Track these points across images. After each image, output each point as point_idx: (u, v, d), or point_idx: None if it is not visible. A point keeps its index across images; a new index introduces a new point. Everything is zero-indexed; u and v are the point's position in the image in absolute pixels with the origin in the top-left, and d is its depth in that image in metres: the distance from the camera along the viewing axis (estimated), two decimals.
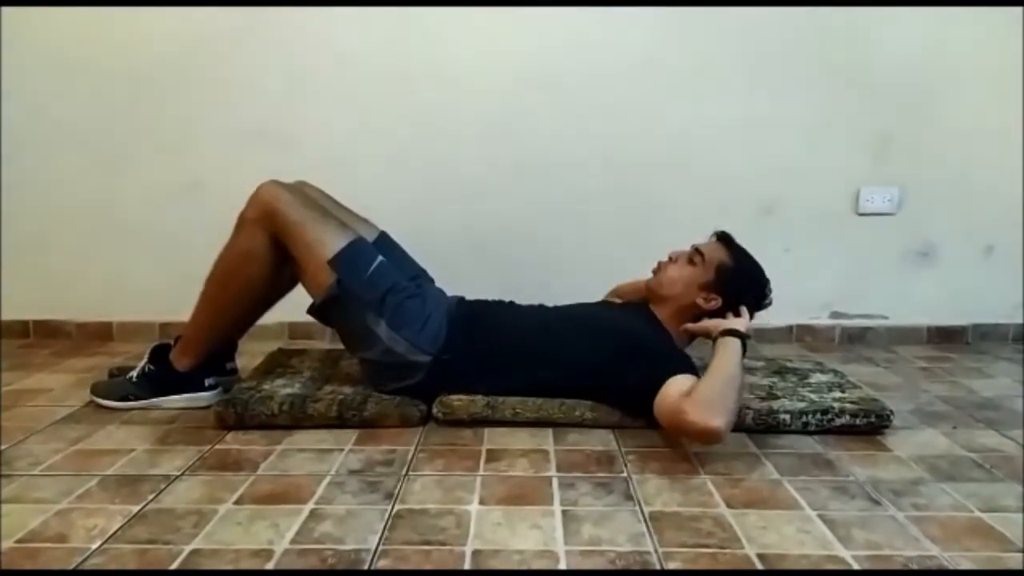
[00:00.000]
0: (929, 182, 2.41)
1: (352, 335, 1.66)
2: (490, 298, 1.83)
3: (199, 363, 1.71)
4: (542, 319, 1.75)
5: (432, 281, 1.85)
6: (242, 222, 1.63)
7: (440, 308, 1.69)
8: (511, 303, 1.82)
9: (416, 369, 1.61)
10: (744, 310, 1.64)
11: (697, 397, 1.36)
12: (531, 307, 1.81)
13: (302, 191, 1.69)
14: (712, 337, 1.57)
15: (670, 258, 1.74)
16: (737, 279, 1.67)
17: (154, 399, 1.71)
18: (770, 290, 1.71)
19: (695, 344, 1.73)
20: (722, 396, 1.37)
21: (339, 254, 1.59)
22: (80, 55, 2.36)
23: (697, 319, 1.67)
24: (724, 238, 1.74)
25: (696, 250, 1.71)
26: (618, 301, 1.91)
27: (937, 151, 2.40)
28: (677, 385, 1.42)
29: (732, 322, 1.59)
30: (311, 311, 1.64)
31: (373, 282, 1.61)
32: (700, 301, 1.66)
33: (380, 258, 1.65)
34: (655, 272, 1.75)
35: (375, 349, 1.61)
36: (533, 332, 1.69)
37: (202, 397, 1.71)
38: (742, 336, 1.53)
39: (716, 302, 1.66)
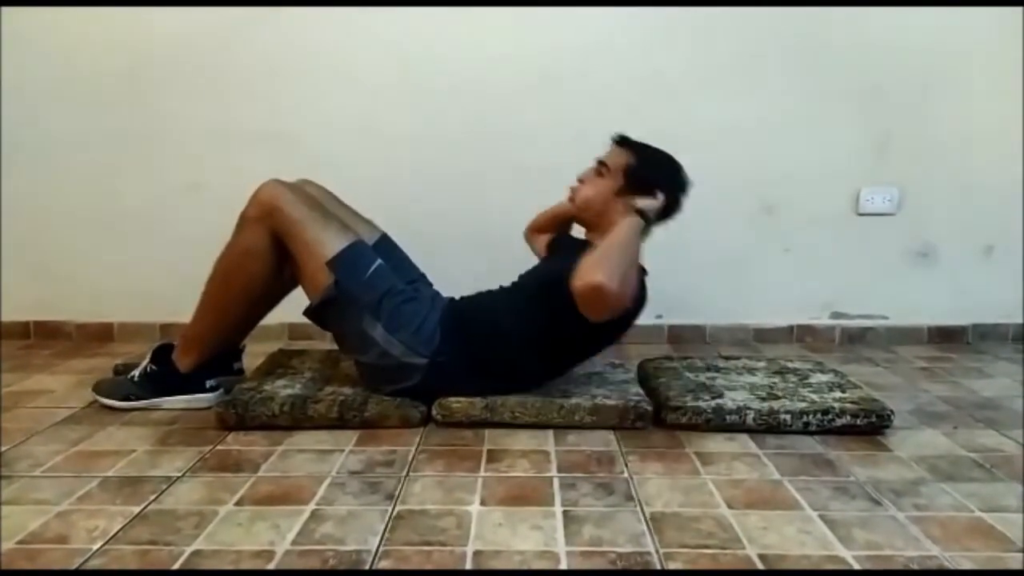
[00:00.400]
0: (929, 182, 2.41)
1: (348, 337, 1.66)
2: (479, 291, 1.81)
3: (201, 363, 1.71)
4: (509, 305, 1.71)
5: (430, 285, 1.85)
6: (243, 221, 1.63)
7: (435, 311, 1.68)
8: (492, 292, 1.78)
9: (412, 371, 1.61)
10: (660, 193, 1.65)
11: (581, 265, 1.44)
12: (505, 289, 1.78)
13: (304, 190, 1.68)
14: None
15: (579, 180, 1.75)
16: (645, 173, 1.67)
17: (155, 399, 1.71)
18: (683, 169, 1.71)
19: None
20: (604, 258, 1.44)
21: (338, 255, 1.59)
22: (81, 55, 2.37)
23: None
24: (622, 141, 1.74)
25: (600, 162, 1.72)
26: (543, 241, 1.95)
27: (937, 151, 2.40)
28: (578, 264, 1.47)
29: (635, 203, 1.61)
30: (308, 312, 1.64)
31: (371, 284, 1.61)
32: (621, 207, 1.65)
33: (379, 261, 1.65)
34: (570, 199, 1.76)
35: (371, 352, 1.61)
36: (507, 322, 1.66)
37: (203, 398, 1.71)
38: (640, 212, 1.57)
39: (635, 199, 1.65)
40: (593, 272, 1.43)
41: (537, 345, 1.63)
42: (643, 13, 2.31)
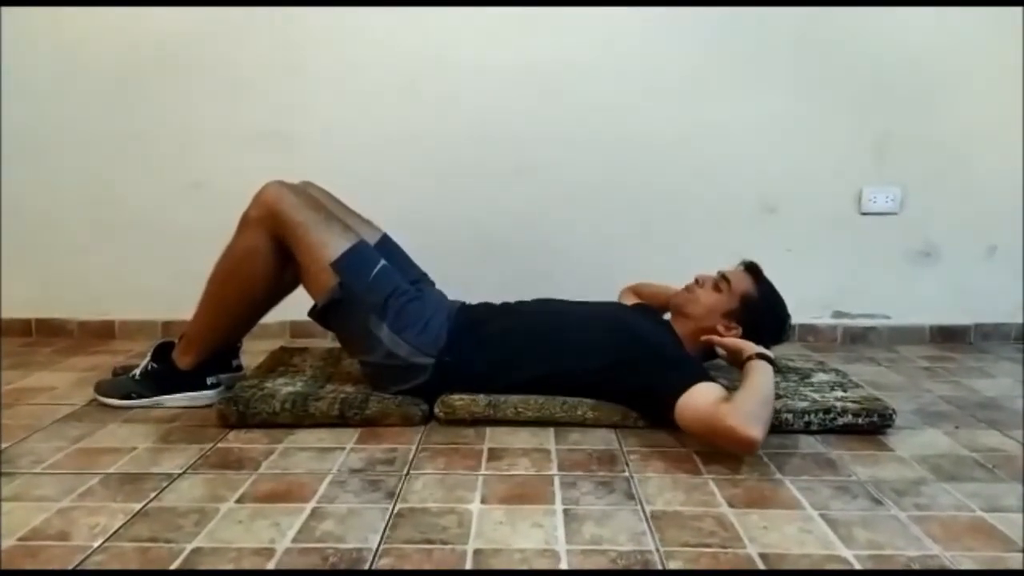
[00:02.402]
0: (932, 182, 2.41)
1: (354, 338, 1.66)
2: (493, 300, 1.83)
3: (202, 361, 1.71)
4: (552, 311, 1.75)
5: (433, 284, 1.86)
6: (245, 222, 1.63)
7: (441, 311, 1.69)
8: (515, 304, 1.81)
9: (419, 371, 1.61)
10: (763, 340, 1.62)
11: (739, 406, 1.36)
12: (536, 302, 1.81)
13: (306, 192, 1.68)
14: (742, 358, 1.54)
15: (696, 281, 1.75)
16: (760, 312, 1.68)
17: (156, 397, 1.71)
18: (790, 326, 1.72)
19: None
20: (761, 409, 1.38)
21: (342, 257, 1.59)
22: (83, 55, 2.37)
23: (709, 350, 1.68)
24: (752, 268, 1.75)
25: (723, 277, 1.72)
26: (630, 302, 1.92)
27: (940, 151, 2.40)
28: (706, 392, 1.42)
29: (761, 348, 1.56)
30: (312, 314, 1.64)
31: (376, 285, 1.61)
32: (721, 328, 1.67)
33: (383, 262, 1.65)
34: (687, 289, 1.75)
35: (377, 352, 1.61)
36: (543, 323, 1.69)
37: (204, 396, 1.71)
38: (773, 362, 1.52)
39: (736, 331, 1.67)
40: (754, 425, 1.33)
41: (574, 378, 1.61)
42: (645, 13, 2.31)
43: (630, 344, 1.59)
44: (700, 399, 1.41)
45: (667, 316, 1.81)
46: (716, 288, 1.72)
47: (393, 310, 1.60)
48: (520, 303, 1.82)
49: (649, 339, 1.62)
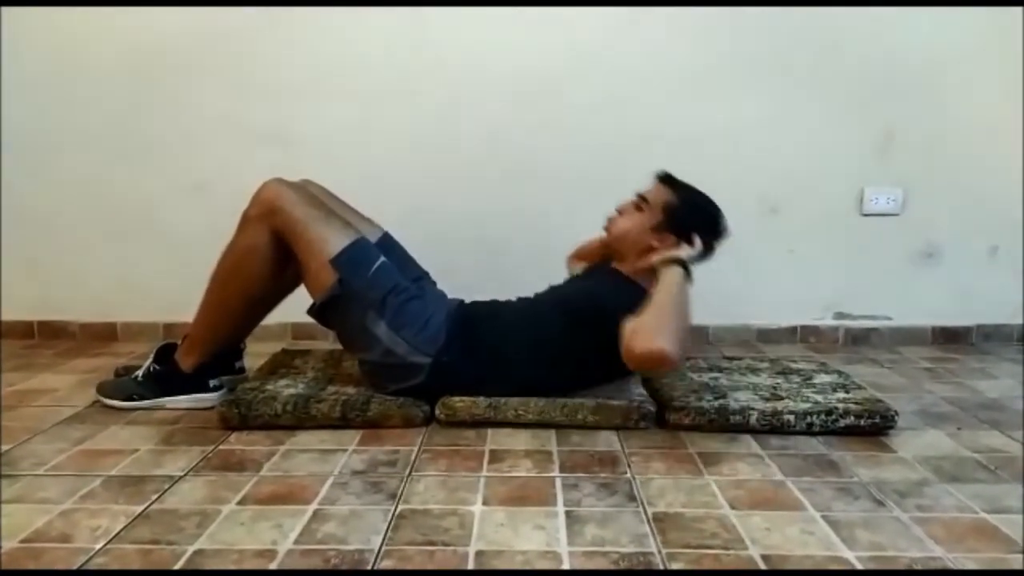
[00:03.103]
0: (933, 183, 2.41)
1: (352, 336, 1.66)
2: (493, 298, 1.83)
3: (204, 363, 1.71)
4: (527, 313, 1.73)
5: (434, 283, 1.85)
6: (245, 220, 1.63)
7: (440, 310, 1.68)
8: (509, 301, 1.80)
9: (416, 370, 1.61)
10: (696, 238, 1.62)
11: (638, 326, 1.39)
12: (524, 300, 1.80)
13: (306, 189, 1.68)
14: (655, 269, 1.56)
15: (618, 211, 1.73)
16: (684, 214, 1.66)
17: (159, 399, 1.71)
18: (724, 219, 1.69)
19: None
20: (661, 320, 1.40)
21: (341, 253, 1.59)
22: (86, 55, 2.37)
23: None
24: (665, 178, 1.73)
25: (640, 196, 1.71)
26: (580, 268, 1.92)
27: (941, 152, 2.39)
28: (627, 323, 1.44)
29: (671, 252, 1.58)
30: (311, 311, 1.64)
31: (375, 282, 1.61)
32: (654, 244, 1.64)
33: (382, 259, 1.65)
34: (606, 228, 1.75)
35: (375, 350, 1.61)
36: (522, 329, 1.68)
37: (207, 398, 1.71)
38: (681, 262, 1.54)
39: (671, 240, 1.64)
40: (656, 338, 1.37)
41: (555, 364, 1.62)
42: (645, 14, 2.31)
43: (584, 328, 1.56)
44: (624, 331, 1.43)
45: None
46: (637, 209, 1.69)
47: (392, 308, 1.60)
48: (512, 303, 1.80)
49: (591, 310, 1.58)
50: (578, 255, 1.99)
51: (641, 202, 1.69)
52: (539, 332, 1.64)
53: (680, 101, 2.37)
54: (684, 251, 1.59)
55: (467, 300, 1.81)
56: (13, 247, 2.46)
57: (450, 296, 1.83)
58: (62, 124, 2.41)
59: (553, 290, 1.78)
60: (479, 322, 1.69)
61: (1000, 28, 2.32)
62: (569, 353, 1.61)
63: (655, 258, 1.60)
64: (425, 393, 1.63)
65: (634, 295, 1.53)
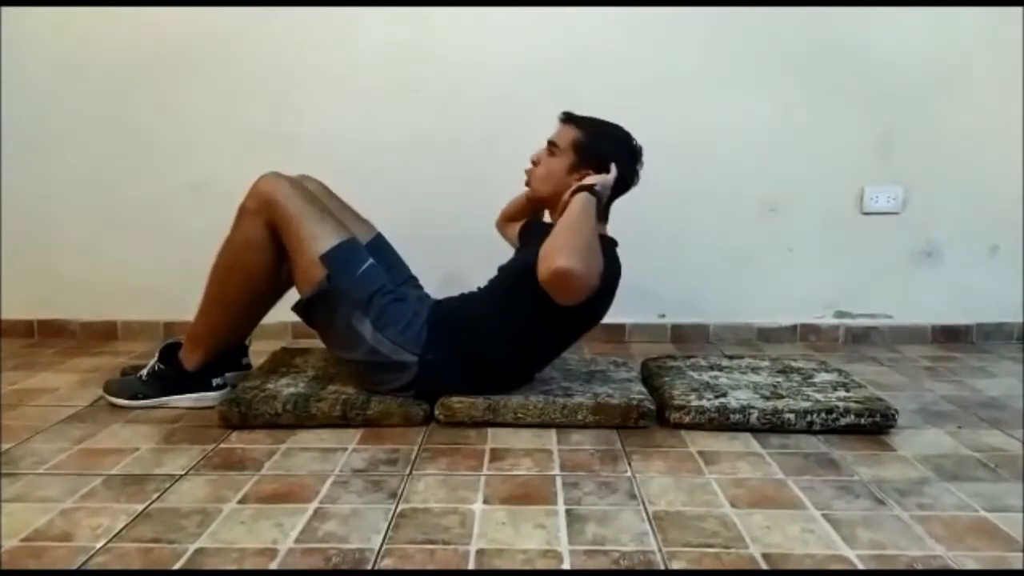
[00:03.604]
0: (934, 181, 2.41)
1: (336, 334, 1.65)
2: (461, 292, 1.81)
3: (208, 360, 1.71)
4: (488, 299, 1.71)
5: (419, 287, 1.86)
6: (242, 213, 1.63)
7: (422, 312, 1.67)
8: (473, 292, 1.77)
9: (402, 369, 1.61)
10: (613, 166, 1.64)
11: (542, 252, 1.42)
12: (485, 287, 1.77)
13: (302, 185, 1.68)
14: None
15: (532, 162, 1.74)
16: (595, 146, 1.66)
17: (163, 398, 1.71)
18: (632, 137, 1.70)
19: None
20: (562, 240, 1.43)
21: (331, 251, 1.59)
22: (86, 54, 2.37)
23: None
24: (568, 118, 1.73)
25: (550, 142, 1.71)
26: (514, 230, 1.95)
27: (942, 150, 2.40)
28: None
29: (583, 181, 1.60)
30: (297, 307, 1.63)
31: (362, 282, 1.61)
32: (575, 184, 1.63)
33: (371, 260, 1.65)
34: (527, 183, 1.76)
35: (359, 350, 1.61)
36: (487, 316, 1.66)
37: (209, 397, 1.71)
38: (585, 188, 1.55)
39: (589, 176, 1.64)
40: (553, 258, 1.41)
41: (519, 337, 1.62)
42: (647, 14, 2.31)
43: (528, 281, 1.54)
44: (538, 264, 1.44)
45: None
46: (550, 155, 1.70)
47: (377, 308, 1.60)
48: (477, 292, 1.77)
49: (529, 261, 1.56)
50: (506, 217, 2.02)
51: (552, 147, 1.70)
52: (499, 312, 1.64)
53: (681, 101, 2.37)
54: (592, 178, 1.60)
55: (440, 299, 1.80)
56: (13, 246, 2.46)
57: (449, 295, 1.83)
58: (62, 123, 2.41)
59: (503, 268, 1.79)
60: (451, 319, 1.68)
61: (1000, 27, 2.32)
62: (531, 322, 1.60)
63: (566, 195, 1.60)
64: (415, 391, 1.62)
65: None
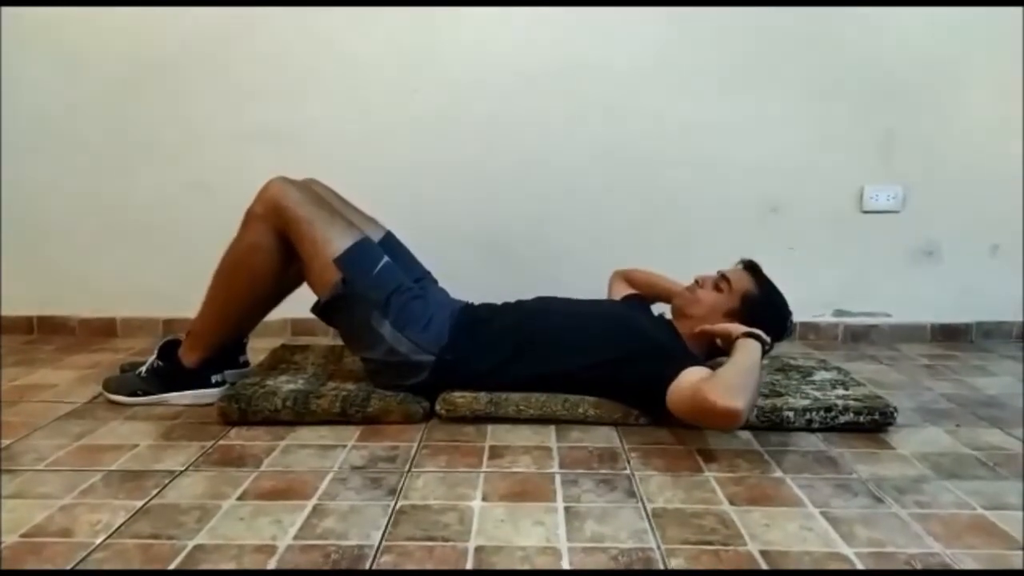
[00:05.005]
0: (934, 180, 2.41)
1: (356, 335, 1.66)
2: (495, 299, 1.83)
3: (207, 359, 1.71)
4: (552, 310, 1.75)
5: (436, 282, 1.86)
6: (249, 217, 1.63)
7: (443, 310, 1.69)
8: (516, 303, 1.81)
9: (419, 369, 1.62)
10: (762, 334, 1.58)
11: (717, 380, 1.38)
12: (537, 300, 1.82)
13: (310, 188, 1.69)
14: (731, 339, 1.54)
15: (697, 282, 1.76)
16: (761, 310, 1.68)
17: (162, 395, 1.71)
18: (792, 323, 1.73)
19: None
20: (741, 381, 1.38)
21: (345, 253, 1.59)
22: (85, 53, 2.37)
23: (714, 346, 1.65)
24: (751, 267, 1.75)
25: (723, 276, 1.73)
26: (620, 293, 1.95)
27: (942, 149, 2.39)
28: (693, 375, 1.44)
29: (755, 331, 1.54)
30: (315, 309, 1.64)
31: (379, 282, 1.61)
32: (718, 327, 1.63)
33: (386, 258, 1.65)
34: (689, 293, 1.76)
35: (379, 349, 1.61)
36: (543, 322, 1.69)
37: (208, 394, 1.71)
38: (761, 340, 1.51)
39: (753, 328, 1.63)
40: (736, 396, 1.33)
41: (572, 374, 1.61)
42: (646, 13, 2.31)
43: (629, 341, 1.60)
44: (686, 380, 1.43)
45: (667, 314, 1.81)
46: (717, 288, 1.72)
47: (396, 307, 1.60)
48: (520, 302, 1.82)
49: (648, 335, 1.63)
50: (629, 279, 2.03)
51: (723, 282, 1.72)
52: (565, 331, 1.65)
53: (681, 100, 2.37)
54: (760, 332, 1.54)
55: (471, 300, 1.83)
56: (13, 243, 2.46)
57: (453, 295, 1.84)
58: (62, 120, 2.40)
59: (591, 302, 1.80)
60: (485, 322, 1.70)
61: (1000, 27, 2.31)
62: (595, 364, 1.59)
63: (732, 327, 1.57)
64: (429, 391, 1.63)
65: (685, 354, 1.58)
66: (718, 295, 1.71)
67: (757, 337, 1.51)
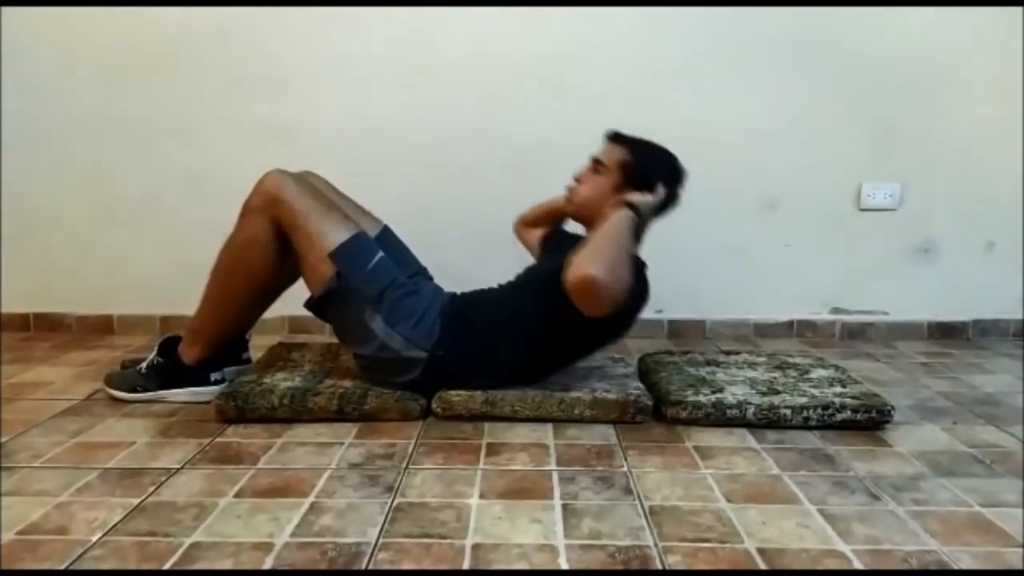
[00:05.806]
0: (931, 178, 2.41)
1: (348, 330, 1.66)
2: (480, 288, 1.81)
3: (206, 355, 1.71)
4: (507, 298, 1.73)
5: (431, 278, 1.85)
6: (246, 210, 1.62)
7: (435, 305, 1.68)
8: (492, 289, 1.79)
9: (412, 365, 1.61)
10: (659, 187, 1.64)
11: (573, 259, 1.42)
12: (506, 285, 1.79)
13: (307, 181, 1.68)
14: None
15: (576, 179, 1.74)
16: (644, 168, 1.67)
17: (161, 391, 1.71)
18: (678, 160, 1.71)
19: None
20: (594, 249, 1.43)
21: (341, 247, 1.59)
22: (82, 47, 2.36)
23: None
24: (615, 137, 1.74)
25: (595, 160, 1.72)
26: (536, 235, 1.98)
27: (939, 147, 2.40)
28: (572, 257, 1.46)
29: (627, 197, 1.59)
30: (308, 304, 1.63)
31: (373, 277, 1.61)
32: (617, 203, 1.62)
33: (381, 254, 1.64)
34: (568, 199, 1.75)
35: (371, 345, 1.61)
36: (504, 314, 1.67)
37: (208, 391, 1.70)
38: (629, 204, 1.55)
39: (634, 195, 1.64)
40: (584, 265, 1.41)
41: (537, 342, 1.63)
42: (644, 11, 2.31)
43: (554, 277, 1.54)
44: (567, 263, 1.44)
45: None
46: (595, 172, 1.70)
47: (388, 303, 1.60)
48: (495, 290, 1.79)
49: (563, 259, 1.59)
50: (528, 222, 2.03)
51: (598, 165, 1.71)
52: (520, 314, 1.64)
53: (678, 96, 2.37)
54: (636, 196, 1.60)
55: (459, 292, 1.81)
56: (10, 240, 2.46)
57: (446, 290, 1.83)
58: (60, 117, 2.40)
59: (529, 271, 1.79)
60: (468, 316, 1.69)
61: (999, 25, 2.32)
62: (550, 327, 1.60)
63: (607, 209, 1.60)
64: (421, 387, 1.63)
65: None
66: (599, 178, 1.69)
67: (625, 204, 1.54)
